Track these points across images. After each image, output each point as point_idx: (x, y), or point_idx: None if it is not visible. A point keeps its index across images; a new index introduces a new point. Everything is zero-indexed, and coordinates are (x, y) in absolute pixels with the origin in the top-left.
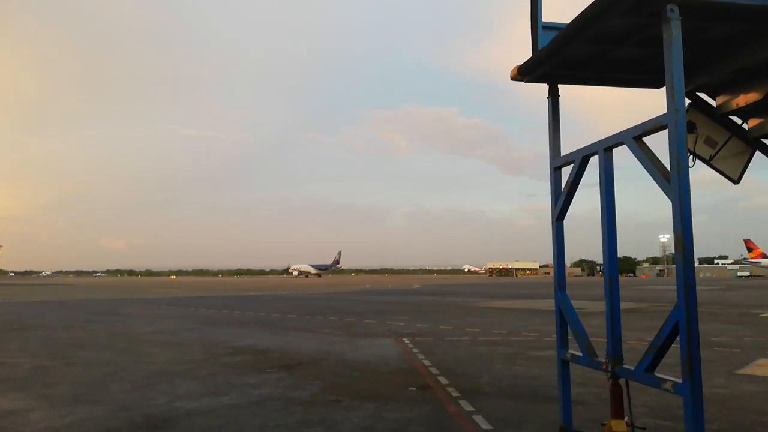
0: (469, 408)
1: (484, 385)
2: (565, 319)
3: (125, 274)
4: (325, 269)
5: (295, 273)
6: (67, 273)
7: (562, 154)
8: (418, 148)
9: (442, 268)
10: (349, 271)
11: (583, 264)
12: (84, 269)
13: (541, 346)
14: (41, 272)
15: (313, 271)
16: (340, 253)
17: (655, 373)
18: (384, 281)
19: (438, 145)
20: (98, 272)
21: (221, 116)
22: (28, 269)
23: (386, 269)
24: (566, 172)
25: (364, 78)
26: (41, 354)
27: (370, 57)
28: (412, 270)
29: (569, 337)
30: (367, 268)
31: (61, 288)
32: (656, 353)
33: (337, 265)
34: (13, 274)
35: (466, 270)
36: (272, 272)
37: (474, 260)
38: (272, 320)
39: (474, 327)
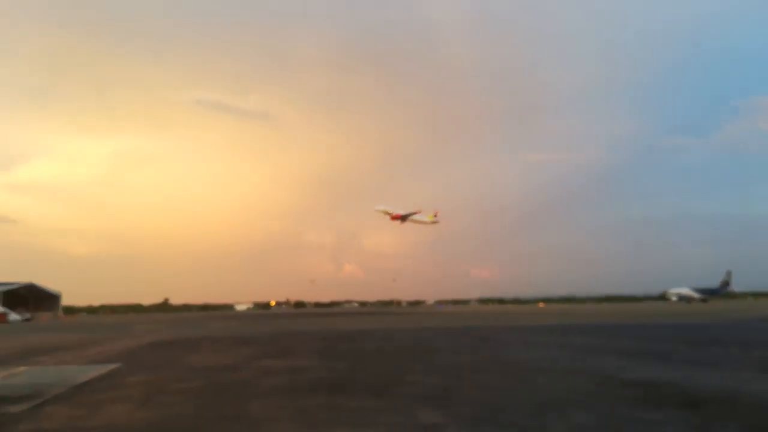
0: None
1: None
2: None
3: (495, 302)
4: (712, 293)
5: (674, 298)
6: (447, 302)
7: None
8: None
9: None
10: (744, 295)
11: None
12: (459, 298)
13: None
14: (425, 301)
15: (696, 296)
16: (729, 273)
17: None
18: None
19: None
20: (471, 300)
21: (567, 136)
22: (417, 299)
23: None
24: None
25: (737, 59)
26: (441, 374)
27: (741, 29)
28: None
29: None
30: None
31: (443, 317)
32: None
33: (727, 288)
34: (405, 304)
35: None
36: (645, 298)
37: None
38: (660, 350)
39: None
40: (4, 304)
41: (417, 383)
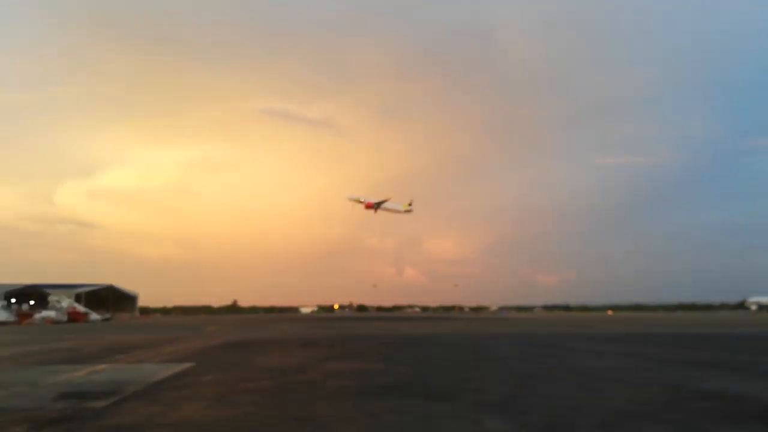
0: None
1: None
2: None
3: (561, 310)
4: None
5: (754, 307)
6: (511, 308)
7: None
8: None
9: None
10: None
11: None
12: (523, 304)
13: None
14: (488, 307)
15: None
16: None
17: None
18: None
19: None
20: (535, 307)
21: (640, 139)
22: (479, 305)
23: None
24: None
25: None
26: (507, 382)
27: None
28: None
29: None
30: None
31: (507, 323)
32: None
33: None
34: (468, 310)
35: None
36: (722, 307)
37: None
38: (738, 362)
39: None
40: (87, 304)
41: (483, 390)
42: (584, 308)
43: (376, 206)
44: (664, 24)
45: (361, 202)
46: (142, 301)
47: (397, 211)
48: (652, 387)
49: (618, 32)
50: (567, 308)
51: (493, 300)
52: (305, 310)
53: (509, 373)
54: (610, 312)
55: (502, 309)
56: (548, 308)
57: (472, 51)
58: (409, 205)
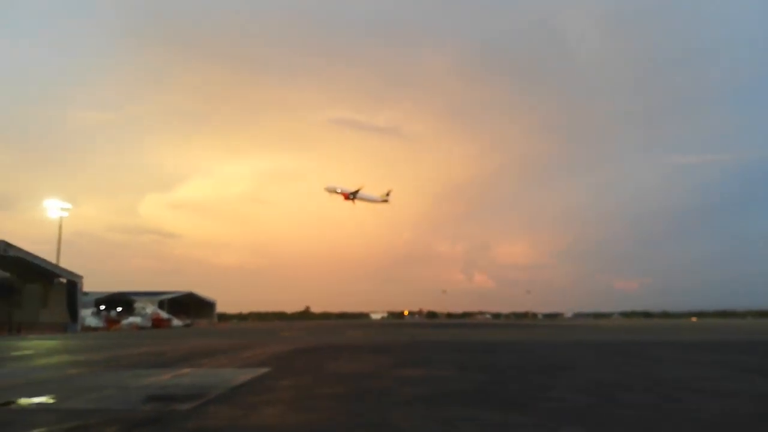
0: None
1: None
2: None
3: (640, 316)
4: None
5: None
6: (586, 315)
7: None
8: None
9: None
10: None
11: None
12: (600, 311)
13: None
14: (562, 314)
15: None
16: None
17: None
18: None
19: None
20: (613, 314)
21: (721, 135)
22: (553, 311)
23: None
24: None
25: None
26: (586, 391)
27: None
28: None
29: None
30: None
31: (584, 330)
32: None
33: None
34: (541, 317)
35: None
36: None
37: None
38: None
39: None
40: (169, 311)
41: (561, 399)
42: (666, 315)
43: (352, 196)
44: (743, 12)
45: (338, 193)
46: (220, 308)
47: (374, 201)
48: (743, 399)
49: (695, 21)
50: (647, 315)
51: (567, 307)
52: (375, 317)
53: (588, 383)
54: (693, 319)
55: (577, 316)
56: (627, 315)
57: (538, 49)
58: (387, 194)
